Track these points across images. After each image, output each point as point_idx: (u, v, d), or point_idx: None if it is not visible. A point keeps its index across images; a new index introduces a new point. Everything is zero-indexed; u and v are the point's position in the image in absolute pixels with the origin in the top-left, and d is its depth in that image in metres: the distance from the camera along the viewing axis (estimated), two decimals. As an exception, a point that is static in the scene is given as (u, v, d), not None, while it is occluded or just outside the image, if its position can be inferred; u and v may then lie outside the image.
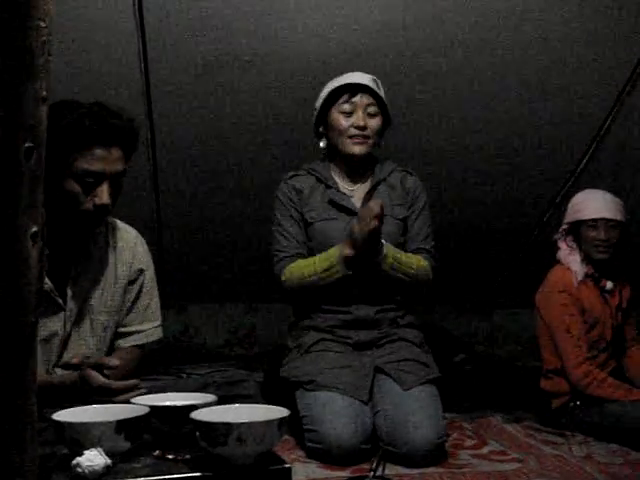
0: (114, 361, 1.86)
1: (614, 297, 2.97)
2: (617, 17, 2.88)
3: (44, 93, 1.16)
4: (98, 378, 1.80)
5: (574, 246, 2.93)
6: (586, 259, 2.91)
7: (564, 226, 2.96)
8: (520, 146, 3.40)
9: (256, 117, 3.13)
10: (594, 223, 2.84)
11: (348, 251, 2.45)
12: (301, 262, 2.56)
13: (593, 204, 2.86)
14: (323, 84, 2.65)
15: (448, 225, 3.62)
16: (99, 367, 1.84)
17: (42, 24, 1.16)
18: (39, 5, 1.15)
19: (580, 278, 2.89)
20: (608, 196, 2.87)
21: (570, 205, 2.97)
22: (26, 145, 1.12)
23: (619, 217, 2.84)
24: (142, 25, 2.70)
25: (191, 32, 2.79)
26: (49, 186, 1.77)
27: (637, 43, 2.96)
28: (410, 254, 2.59)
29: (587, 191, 2.95)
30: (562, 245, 2.97)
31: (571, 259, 2.92)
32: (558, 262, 2.99)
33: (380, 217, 2.36)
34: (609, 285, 2.95)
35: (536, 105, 3.21)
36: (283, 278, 2.57)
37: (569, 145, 3.41)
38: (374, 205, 2.37)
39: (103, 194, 1.88)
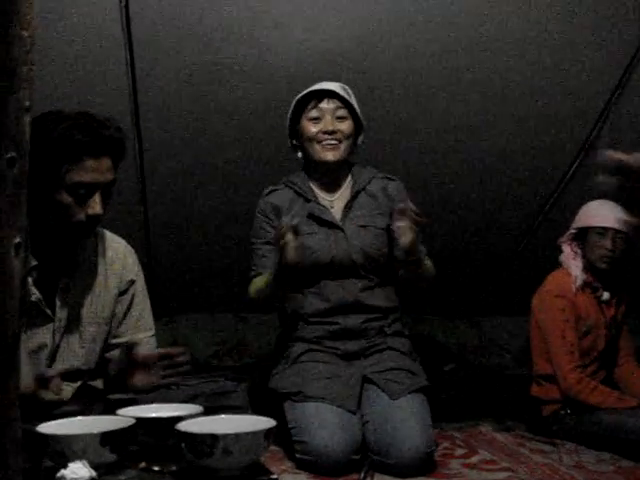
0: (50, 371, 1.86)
1: (610, 308, 2.98)
2: (608, 21, 2.89)
3: (27, 103, 1.15)
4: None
5: (578, 252, 2.95)
6: (587, 267, 2.92)
7: (572, 230, 2.98)
8: (508, 153, 3.41)
9: (245, 126, 3.13)
10: (603, 231, 2.86)
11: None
12: (254, 280, 2.59)
13: (606, 213, 2.87)
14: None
15: (436, 233, 3.62)
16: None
17: (25, 34, 1.15)
18: (22, 15, 1.15)
19: (579, 284, 2.91)
20: (620, 208, 2.88)
21: (582, 211, 2.98)
22: (9, 155, 1.11)
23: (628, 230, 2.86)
24: (129, 34, 2.70)
25: (178, 41, 2.80)
26: (40, 198, 1.79)
27: (626, 49, 2.98)
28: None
29: (600, 200, 2.95)
30: (566, 249, 2.98)
31: (573, 263, 2.94)
32: (557, 267, 3.00)
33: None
34: (605, 295, 2.96)
35: (524, 111, 3.22)
36: (248, 293, 2.61)
37: (558, 152, 3.42)
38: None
39: (96, 205, 1.87)
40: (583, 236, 2.93)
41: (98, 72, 2.81)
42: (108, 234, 2.15)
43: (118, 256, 2.13)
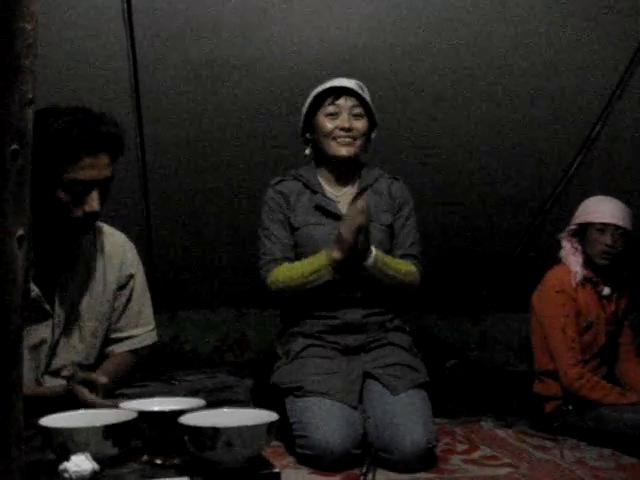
0: (103, 379, 1.84)
1: (611, 304, 2.98)
2: (606, 23, 2.89)
3: (30, 95, 1.15)
4: (84, 395, 1.79)
5: (578, 247, 2.94)
6: (587, 262, 2.92)
7: (572, 226, 2.96)
8: (510, 152, 3.40)
9: (246, 122, 3.13)
10: (603, 227, 2.85)
11: (336, 254, 2.45)
12: (288, 265, 2.55)
13: (606, 209, 2.87)
14: (313, 89, 2.65)
15: (438, 231, 3.62)
16: (88, 383, 1.82)
17: (28, 26, 1.15)
18: (24, 7, 1.15)
19: (579, 279, 2.90)
20: (621, 204, 2.89)
21: (582, 207, 2.97)
22: (12, 147, 1.11)
23: (628, 226, 2.85)
24: (131, 30, 2.70)
25: (180, 37, 2.79)
26: (37, 195, 1.77)
27: (626, 48, 2.98)
28: (398, 259, 2.59)
29: (601, 196, 2.95)
30: (566, 245, 2.98)
31: (572, 259, 2.94)
32: (557, 263, 3.00)
33: (366, 214, 2.37)
34: (606, 291, 2.96)
35: (524, 111, 3.22)
36: (269, 281, 2.56)
37: (559, 151, 3.42)
38: (359, 202, 2.38)
39: (93, 201, 1.86)
40: (583, 232, 2.93)
41: (100, 67, 2.81)
42: (107, 228, 2.14)
43: (117, 250, 2.12)
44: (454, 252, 3.87)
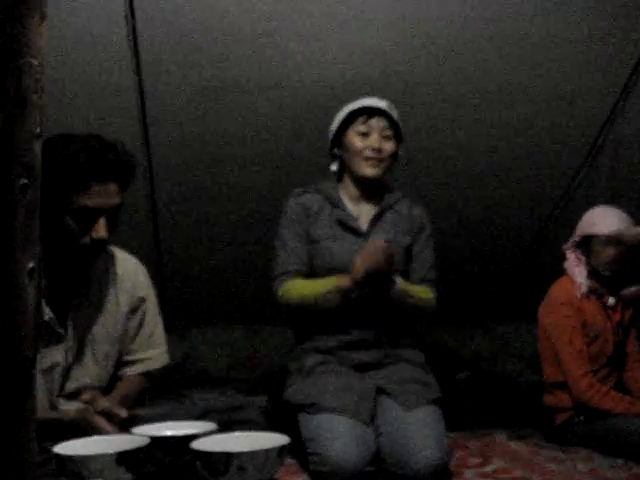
0: (123, 413, 1.87)
1: (616, 313, 2.98)
2: (615, 23, 2.90)
3: (38, 130, 1.17)
4: (101, 425, 1.81)
5: (582, 259, 2.94)
6: (592, 273, 2.91)
7: (575, 238, 2.96)
8: (517, 162, 3.41)
9: (254, 143, 3.14)
10: (606, 239, 2.84)
11: (346, 283, 2.44)
12: (301, 282, 2.56)
13: (608, 220, 2.86)
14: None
15: (448, 241, 3.62)
16: (108, 415, 1.84)
17: (34, 62, 1.17)
18: (31, 43, 1.16)
19: (583, 291, 2.90)
20: (623, 215, 2.87)
21: (585, 218, 2.96)
22: (21, 182, 1.12)
23: None
24: (137, 52, 2.72)
25: (188, 58, 2.81)
26: (46, 222, 1.78)
27: (633, 49, 2.98)
28: (417, 286, 2.60)
29: (603, 207, 2.94)
30: (570, 256, 2.97)
31: (577, 271, 2.93)
32: (562, 274, 3.00)
33: (390, 259, 2.38)
34: (611, 301, 2.95)
35: (528, 125, 3.23)
36: (280, 294, 2.57)
37: (564, 162, 3.42)
38: (384, 246, 2.38)
39: (100, 229, 1.87)
40: (587, 243, 2.92)
41: (107, 92, 2.83)
42: (119, 252, 2.15)
43: (129, 274, 2.13)
44: (465, 261, 3.87)
